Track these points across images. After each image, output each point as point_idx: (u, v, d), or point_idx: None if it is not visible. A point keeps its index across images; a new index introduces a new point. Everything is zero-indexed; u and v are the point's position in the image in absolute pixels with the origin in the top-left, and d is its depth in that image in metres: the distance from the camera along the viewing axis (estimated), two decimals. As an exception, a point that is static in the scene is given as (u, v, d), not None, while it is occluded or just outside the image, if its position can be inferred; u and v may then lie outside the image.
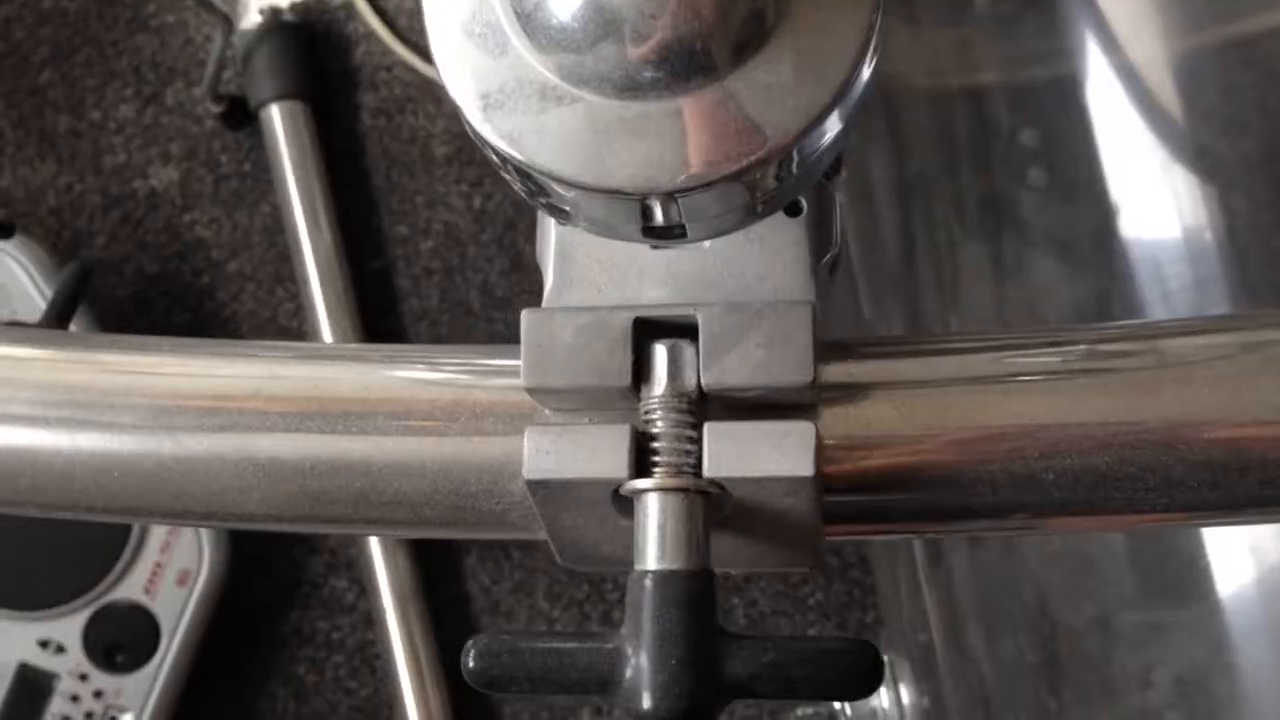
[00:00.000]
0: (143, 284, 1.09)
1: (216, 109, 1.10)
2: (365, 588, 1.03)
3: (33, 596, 0.95)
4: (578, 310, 0.26)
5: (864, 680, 0.24)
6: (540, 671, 0.24)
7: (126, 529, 0.96)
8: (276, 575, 1.04)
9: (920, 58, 0.68)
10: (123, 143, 1.12)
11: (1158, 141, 0.62)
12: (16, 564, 0.96)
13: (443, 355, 0.29)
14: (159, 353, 0.30)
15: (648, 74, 0.21)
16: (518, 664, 0.25)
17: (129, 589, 0.95)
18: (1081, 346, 0.27)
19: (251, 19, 1.11)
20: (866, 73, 0.23)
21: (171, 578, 0.96)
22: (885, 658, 0.76)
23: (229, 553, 0.97)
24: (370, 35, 1.13)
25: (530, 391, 0.26)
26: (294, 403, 0.28)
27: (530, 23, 0.21)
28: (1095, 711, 0.59)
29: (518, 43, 0.22)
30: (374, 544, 1.01)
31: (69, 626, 0.94)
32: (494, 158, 0.23)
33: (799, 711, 0.80)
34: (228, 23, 1.07)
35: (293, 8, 1.13)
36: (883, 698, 0.74)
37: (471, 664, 0.25)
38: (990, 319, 0.63)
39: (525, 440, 0.25)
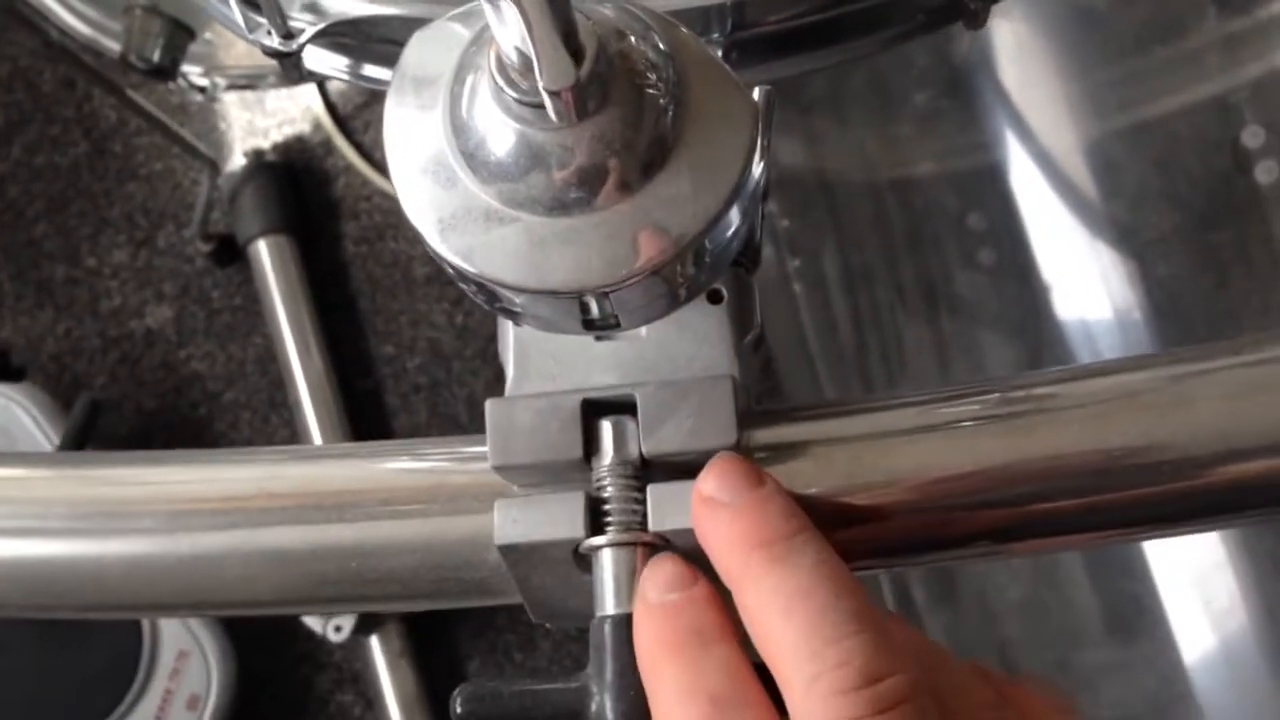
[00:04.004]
0: (143, 420, 1.14)
1: (206, 248, 1.15)
2: (371, 700, 1.05)
3: (47, 731, 0.97)
4: (533, 397, 0.30)
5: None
6: (519, 712, 0.28)
7: (136, 658, 0.99)
8: (283, 694, 1.06)
9: (855, 154, 0.74)
10: (118, 286, 1.17)
11: (1080, 220, 0.67)
12: (30, 697, 0.98)
13: (421, 447, 0.33)
14: (170, 464, 0.35)
15: (571, 195, 0.26)
16: (499, 707, 0.28)
17: (141, 717, 0.97)
18: (972, 402, 0.31)
19: (236, 161, 1.17)
20: (755, 175, 0.27)
21: (181, 703, 0.98)
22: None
23: (236, 674, 0.99)
24: (349, 168, 1.19)
25: (497, 470, 0.30)
26: (293, 498, 0.32)
27: (473, 160, 0.26)
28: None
29: (464, 177, 0.26)
30: (378, 655, 1.04)
31: (84, 758, 0.96)
32: (452, 272, 0.28)
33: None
34: (213, 167, 1.13)
35: (274, 148, 1.19)
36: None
37: (459, 709, 0.28)
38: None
39: (495, 512, 0.29)
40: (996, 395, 0.31)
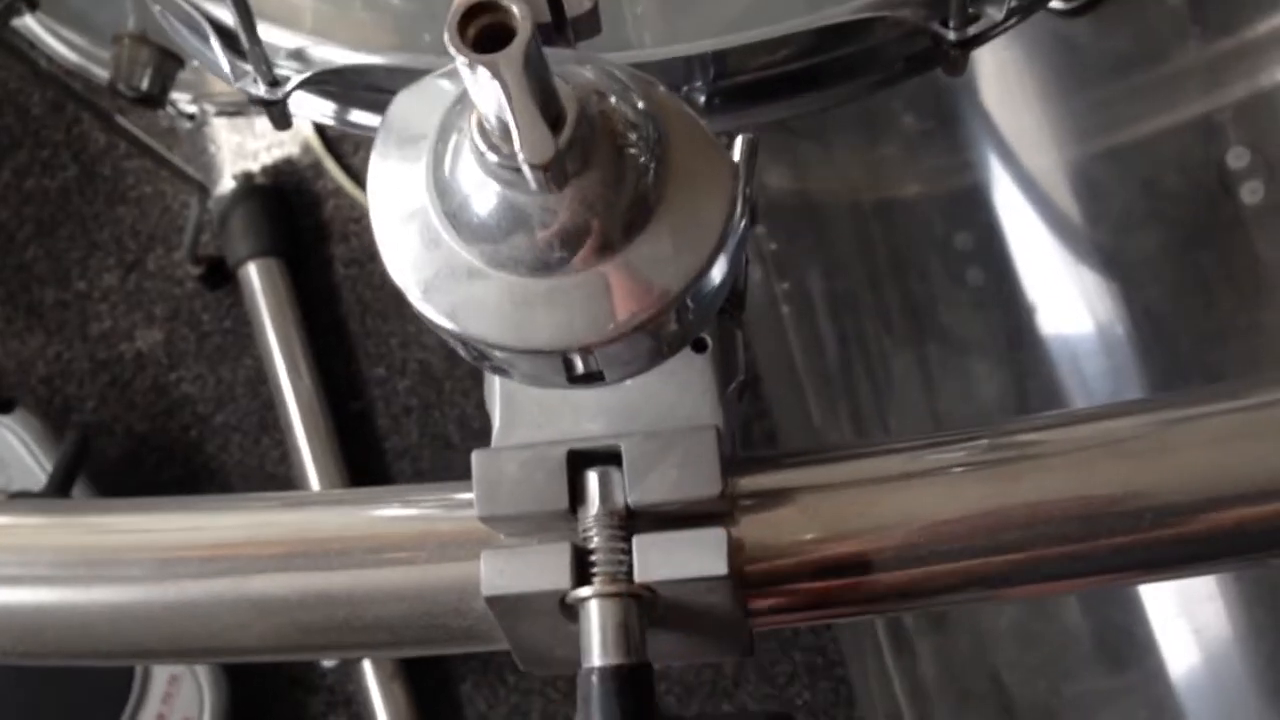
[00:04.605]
0: (133, 443, 1.14)
1: (196, 271, 1.15)
2: (365, 723, 1.05)
3: (39, 757, 0.97)
4: (519, 448, 0.30)
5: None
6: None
7: (128, 682, 0.98)
8: (276, 718, 1.06)
9: (841, 177, 0.74)
10: (108, 309, 1.17)
11: (1066, 242, 0.68)
12: (22, 726, 0.98)
13: (410, 494, 0.33)
14: (158, 511, 0.35)
15: (554, 255, 0.26)
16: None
17: (134, 742, 0.97)
18: (958, 448, 0.32)
19: (225, 184, 1.17)
20: (738, 230, 0.27)
21: (174, 728, 0.98)
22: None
23: (228, 699, 0.99)
24: (338, 190, 1.19)
25: (484, 520, 0.30)
26: (281, 546, 0.33)
27: (456, 220, 0.26)
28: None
29: (447, 236, 0.26)
30: (370, 678, 1.04)
31: (76, 785, 0.96)
32: (438, 331, 0.28)
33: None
34: (203, 190, 1.13)
35: (264, 170, 1.19)
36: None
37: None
38: (923, 413, 0.67)
39: (481, 563, 0.30)
40: (984, 442, 0.31)
